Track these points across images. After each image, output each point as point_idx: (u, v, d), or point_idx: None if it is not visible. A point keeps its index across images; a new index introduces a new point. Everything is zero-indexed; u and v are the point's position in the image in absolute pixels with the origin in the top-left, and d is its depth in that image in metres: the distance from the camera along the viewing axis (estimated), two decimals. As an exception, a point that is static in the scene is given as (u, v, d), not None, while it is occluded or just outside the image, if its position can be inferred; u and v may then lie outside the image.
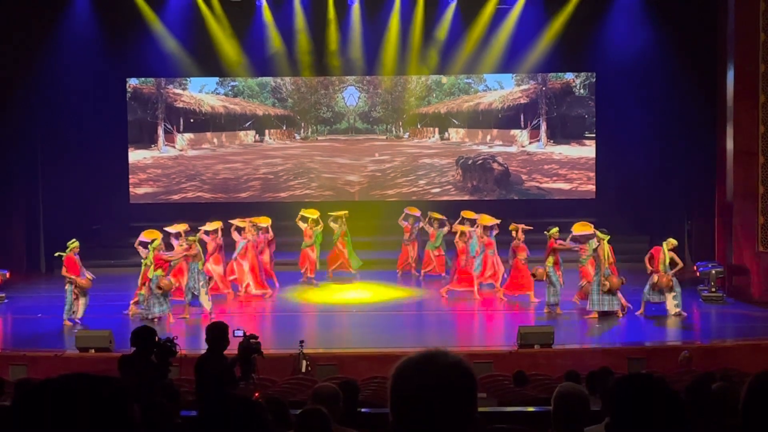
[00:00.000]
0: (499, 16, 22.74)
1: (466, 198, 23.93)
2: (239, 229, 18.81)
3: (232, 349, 8.73)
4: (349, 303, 18.23)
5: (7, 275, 18.75)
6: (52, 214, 22.01)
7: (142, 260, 16.59)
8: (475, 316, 17.88)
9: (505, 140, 24.32)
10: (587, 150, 23.99)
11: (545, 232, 16.95)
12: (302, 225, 19.80)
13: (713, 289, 17.68)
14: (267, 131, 24.52)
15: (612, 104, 22.89)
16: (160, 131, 24.20)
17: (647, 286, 16.34)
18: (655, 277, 16.26)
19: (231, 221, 19.02)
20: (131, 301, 16.86)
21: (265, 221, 19.47)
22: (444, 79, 24.21)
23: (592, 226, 16.99)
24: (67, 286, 16.16)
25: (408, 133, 24.56)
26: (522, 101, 24.17)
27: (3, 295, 18.50)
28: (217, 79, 24.15)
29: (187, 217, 19.16)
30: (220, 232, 18.35)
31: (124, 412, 2.12)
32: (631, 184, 22.69)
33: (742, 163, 17.92)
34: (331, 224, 20.08)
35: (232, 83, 24.35)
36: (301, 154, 24.50)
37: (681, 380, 9.62)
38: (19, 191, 21.72)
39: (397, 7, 22.78)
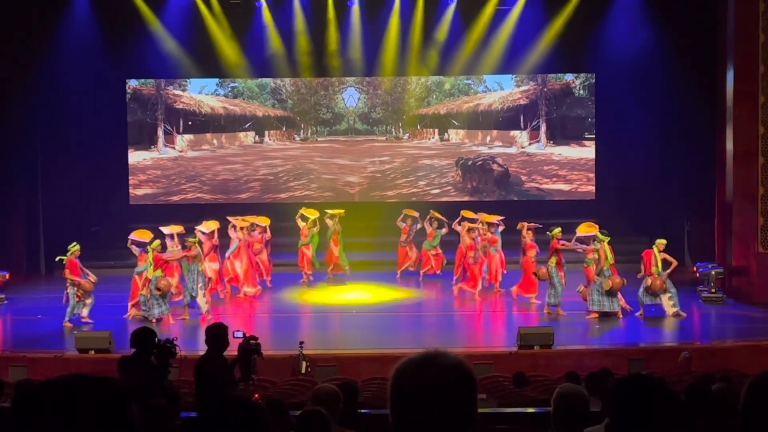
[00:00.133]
0: (499, 17, 22.75)
1: (465, 199, 23.93)
2: (235, 228, 18.80)
3: (232, 350, 8.73)
4: (349, 304, 18.22)
5: (7, 276, 18.76)
6: (51, 215, 22.01)
7: (138, 266, 16.65)
8: (475, 316, 17.87)
9: (505, 141, 24.33)
10: (587, 151, 23.99)
11: (548, 233, 16.97)
12: (301, 223, 19.84)
13: (713, 290, 17.69)
14: (267, 132, 24.52)
15: (612, 105, 22.89)
16: (160, 132, 24.20)
17: (641, 289, 16.34)
18: (648, 281, 16.27)
19: (229, 218, 19.00)
20: (129, 304, 16.83)
21: (264, 221, 19.50)
22: (447, 84, 24.21)
23: (597, 227, 16.95)
24: (70, 290, 16.16)
25: (408, 134, 24.57)
26: (522, 102, 24.18)
27: (3, 296, 18.50)
28: (216, 80, 24.16)
29: (186, 219, 19.15)
30: (216, 233, 18.33)
31: (124, 413, 2.12)
32: (631, 185, 22.69)
33: (742, 164, 17.92)
34: (327, 221, 20.10)
35: (232, 84, 24.36)
36: (300, 155, 24.50)
37: (681, 381, 9.62)
38: (19, 192, 21.72)
39: (397, 8, 22.79)
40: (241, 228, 18.70)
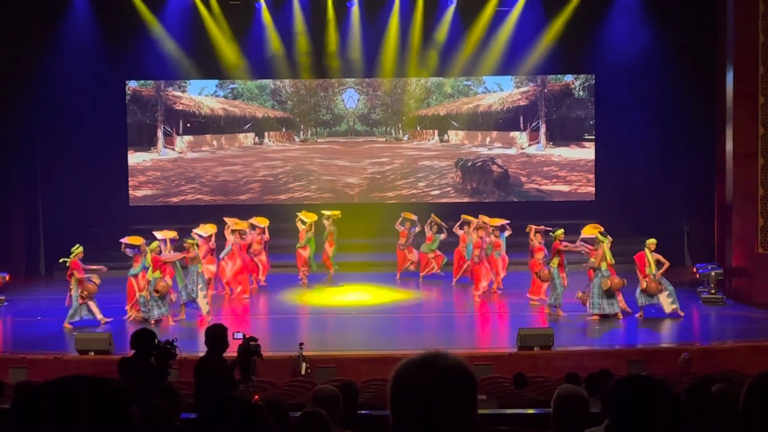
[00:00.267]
0: (499, 18, 22.76)
1: (465, 200, 23.95)
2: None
3: (232, 351, 8.73)
4: (349, 305, 18.22)
5: (7, 278, 18.75)
6: (51, 216, 22.01)
7: (133, 267, 16.66)
8: (475, 318, 17.87)
9: (505, 142, 24.33)
10: (587, 152, 24.00)
11: (550, 234, 16.98)
12: (301, 226, 19.87)
13: (713, 291, 17.69)
14: (266, 133, 24.52)
15: (611, 106, 22.89)
16: (160, 134, 24.20)
17: (637, 291, 16.35)
18: (644, 283, 16.29)
19: (226, 219, 18.97)
20: (128, 306, 16.81)
21: (262, 222, 19.50)
22: (446, 86, 24.22)
23: (603, 228, 16.93)
24: (73, 292, 16.16)
25: (407, 136, 24.57)
26: (521, 103, 24.18)
27: (3, 297, 18.49)
28: (216, 81, 24.16)
29: (186, 220, 19.16)
30: (213, 237, 18.30)
31: (124, 414, 2.12)
32: (631, 186, 22.69)
33: (742, 165, 17.92)
34: (324, 222, 20.12)
35: (232, 85, 24.37)
36: (300, 157, 24.50)
37: (681, 382, 9.62)
38: (19, 194, 21.72)
39: (397, 9, 22.79)
40: (232, 231, 18.64)
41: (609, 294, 16.16)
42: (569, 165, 24.11)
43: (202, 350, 8.61)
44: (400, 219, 20.41)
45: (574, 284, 17.07)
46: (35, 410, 2.08)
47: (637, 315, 16.38)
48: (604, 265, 16.20)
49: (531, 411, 8.20)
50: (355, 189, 24.49)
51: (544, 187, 24.23)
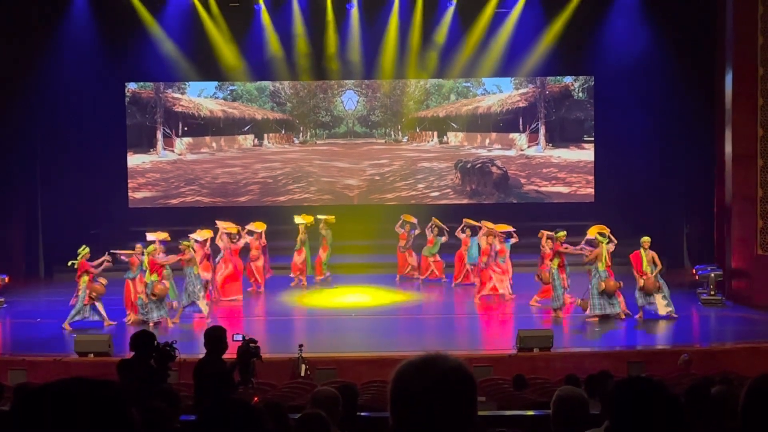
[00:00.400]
0: (498, 19, 22.77)
1: (465, 202, 23.95)
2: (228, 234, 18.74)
3: (232, 353, 8.72)
4: (348, 307, 18.21)
5: (6, 280, 18.75)
6: (51, 218, 22.02)
7: (130, 270, 16.65)
8: (475, 319, 17.87)
9: (504, 144, 24.34)
10: (586, 153, 24.00)
11: (552, 234, 16.96)
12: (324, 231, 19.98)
13: (712, 293, 17.69)
14: (266, 135, 24.52)
15: (611, 108, 22.90)
16: (159, 135, 24.20)
17: (636, 291, 16.36)
18: (641, 282, 16.30)
19: (218, 222, 18.90)
20: (127, 308, 16.80)
21: (259, 227, 19.46)
22: (446, 87, 24.22)
23: (609, 230, 16.91)
24: (81, 293, 16.17)
25: (407, 137, 24.57)
26: (521, 105, 24.19)
27: (2, 299, 18.49)
28: (215, 83, 24.16)
29: (185, 222, 19.15)
30: (209, 242, 18.27)
31: (123, 416, 2.12)
32: (630, 188, 22.69)
33: (741, 166, 17.93)
34: (322, 231, 20.15)
35: (231, 87, 24.37)
36: (300, 158, 24.50)
37: (680, 383, 9.62)
38: (18, 196, 21.72)
39: (396, 10, 22.79)
40: (220, 235, 18.53)
41: (608, 294, 16.16)
42: (569, 166, 24.11)
43: (201, 352, 8.60)
44: (400, 221, 20.42)
45: (577, 285, 17.10)
46: (35, 412, 2.08)
47: (637, 316, 16.38)
48: (602, 267, 16.21)
49: (531, 412, 8.19)
50: (355, 191, 24.49)
51: (543, 189, 24.23)
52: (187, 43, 22.65)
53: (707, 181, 20.19)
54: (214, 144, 24.49)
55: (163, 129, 24.21)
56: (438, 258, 20.18)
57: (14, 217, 21.66)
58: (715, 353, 14.16)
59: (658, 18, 21.53)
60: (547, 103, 24.02)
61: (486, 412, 8.18)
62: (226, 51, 22.92)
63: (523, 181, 24.29)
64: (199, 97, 24.33)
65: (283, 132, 24.57)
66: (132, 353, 8.24)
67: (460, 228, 19.56)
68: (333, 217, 20.48)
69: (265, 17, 22.79)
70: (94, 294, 16.19)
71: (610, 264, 16.35)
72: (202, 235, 18.20)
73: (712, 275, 17.81)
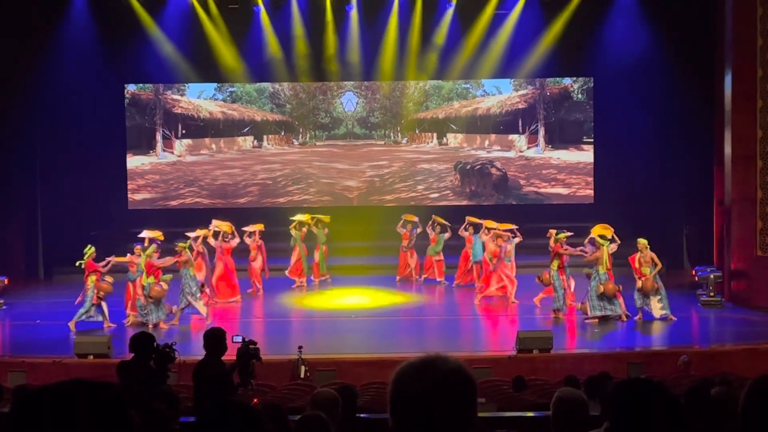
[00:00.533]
0: (497, 21, 22.78)
1: (464, 203, 23.95)
2: (217, 235, 18.70)
3: (231, 354, 8.72)
4: (348, 308, 18.21)
5: (6, 282, 18.74)
6: (50, 220, 22.01)
7: (130, 272, 16.65)
8: (474, 321, 17.87)
9: (504, 145, 24.34)
10: (585, 155, 24.01)
11: (551, 236, 16.96)
12: (303, 230, 19.89)
13: (712, 294, 17.69)
14: (265, 137, 24.52)
15: (610, 109, 22.91)
16: (159, 137, 24.20)
17: (635, 292, 16.37)
18: (639, 283, 16.32)
19: (214, 221, 18.86)
20: (127, 310, 16.79)
21: (256, 227, 19.44)
22: (445, 89, 24.23)
23: (613, 230, 16.91)
24: (90, 292, 16.17)
25: (406, 139, 24.58)
26: (520, 106, 24.19)
27: (2, 301, 18.49)
28: (215, 84, 24.16)
29: (185, 224, 19.12)
30: (200, 240, 18.23)
31: (123, 418, 2.12)
32: (630, 189, 22.69)
33: (741, 168, 17.93)
34: (312, 227, 20.12)
35: (230, 89, 24.37)
36: (299, 160, 24.50)
37: (680, 385, 9.62)
38: (18, 197, 21.71)
39: (395, 12, 22.79)
40: (215, 233, 18.47)
41: (607, 297, 16.17)
42: (568, 168, 24.12)
43: (201, 353, 8.60)
44: (401, 221, 20.42)
45: (579, 286, 17.11)
46: (34, 414, 2.08)
47: (636, 318, 16.39)
48: (602, 270, 16.21)
49: (530, 414, 8.19)
50: (354, 192, 24.49)
51: (542, 190, 24.24)
52: (187, 45, 22.65)
53: (707, 182, 20.19)
54: (213, 145, 24.49)
55: (163, 131, 24.21)
56: (441, 257, 20.14)
57: (14, 219, 21.65)
58: (715, 354, 14.16)
59: (658, 19, 21.54)
60: (547, 105, 24.03)
61: (486, 413, 8.18)
62: (226, 52, 22.92)
63: (522, 182, 24.30)
64: (198, 99, 24.33)
65: (282, 133, 24.57)
66: (131, 355, 8.24)
67: (462, 227, 19.59)
68: (328, 217, 20.45)
69: (265, 19, 22.79)
70: (102, 293, 16.23)
71: (610, 267, 16.34)
72: (197, 233, 18.17)
73: (712, 276, 17.82)
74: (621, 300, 16.35)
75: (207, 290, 17.99)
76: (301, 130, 24.53)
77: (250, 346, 8.81)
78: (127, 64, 22.70)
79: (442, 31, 22.85)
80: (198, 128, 24.38)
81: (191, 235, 18.07)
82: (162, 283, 16.39)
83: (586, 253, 16.76)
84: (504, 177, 24.28)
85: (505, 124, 24.28)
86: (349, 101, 24.40)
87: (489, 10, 22.64)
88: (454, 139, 24.52)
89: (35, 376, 12.91)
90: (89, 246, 16.61)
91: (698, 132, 20.67)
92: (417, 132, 24.57)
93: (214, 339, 8.31)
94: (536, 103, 24.07)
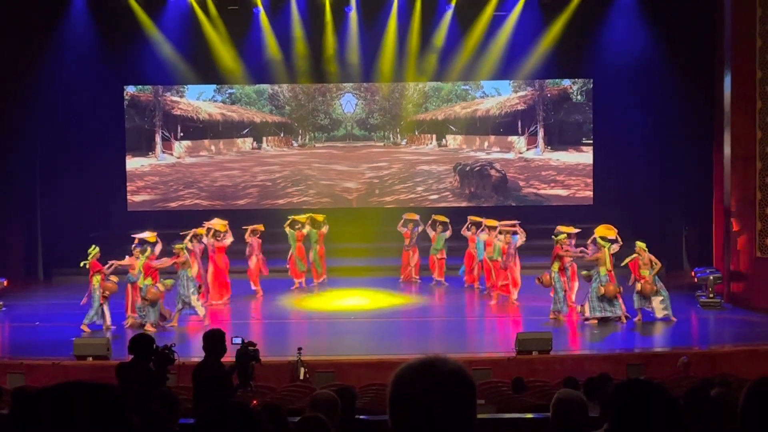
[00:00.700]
0: (496, 22, 22.79)
1: (463, 204, 23.95)
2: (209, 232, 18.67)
3: (230, 356, 8.71)
4: (347, 310, 18.20)
5: (5, 283, 18.73)
6: (49, 222, 21.99)
7: (130, 274, 16.64)
8: (474, 322, 17.87)
9: (503, 147, 24.35)
10: (585, 156, 24.01)
11: (552, 237, 16.96)
12: (307, 229, 19.88)
13: (711, 295, 17.69)
14: (264, 138, 24.52)
15: (609, 110, 22.92)
16: (158, 139, 24.20)
17: (635, 294, 16.38)
18: (638, 286, 16.33)
19: (206, 223, 18.81)
20: (127, 313, 16.79)
21: (258, 228, 19.44)
22: (444, 90, 24.23)
23: (616, 231, 16.91)
24: (96, 293, 16.17)
25: (405, 140, 24.58)
26: (519, 108, 24.20)
27: (1, 303, 18.47)
28: (214, 86, 24.16)
29: (184, 225, 19.08)
30: (189, 237, 18.18)
31: (123, 419, 2.12)
32: (629, 190, 22.69)
33: (740, 169, 17.93)
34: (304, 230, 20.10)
35: (230, 90, 24.38)
36: (298, 161, 24.50)
37: (679, 386, 9.62)
38: (17, 199, 21.68)
39: (395, 13, 22.80)
40: (195, 234, 18.39)
41: (608, 299, 16.17)
42: (567, 169, 24.12)
43: (200, 355, 8.59)
44: (402, 221, 20.41)
45: (580, 287, 17.12)
46: (33, 416, 2.08)
47: (635, 319, 16.39)
48: (603, 271, 16.22)
49: (530, 415, 8.19)
50: (354, 194, 24.50)
51: (542, 192, 24.24)
52: (186, 47, 22.65)
53: (706, 183, 20.19)
54: (212, 147, 24.49)
55: (162, 132, 24.21)
56: (443, 255, 20.07)
57: (13, 220, 21.63)
58: (714, 356, 14.16)
59: (657, 21, 21.54)
60: (546, 106, 24.04)
61: (485, 415, 8.18)
62: (225, 54, 22.92)
63: (521, 183, 24.30)
64: (197, 101, 24.33)
65: (281, 135, 24.57)
66: (131, 356, 8.24)
67: (465, 226, 19.57)
68: (322, 216, 20.39)
69: (264, 20, 22.79)
70: (107, 293, 16.25)
71: (611, 268, 16.34)
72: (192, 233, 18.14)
73: (711, 278, 17.81)
74: (621, 301, 16.35)
75: (203, 291, 17.96)
76: (300, 131, 24.53)
77: (250, 348, 8.81)
78: (127, 66, 22.70)
79: (442, 33, 22.86)
80: (197, 130, 24.39)
81: (185, 234, 18.03)
82: (159, 285, 16.37)
83: (587, 253, 16.77)
84: (503, 178, 24.28)
85: (505, 125, 24.29)
86: (348, 103, 24.41)
87: (488, 12, 22.65)
88: (453, 141, 24.53)
89: (34, 377, 12.90)
90: (93, 246, 16.62)
91: (698, 133, 20.67)
92: (416, 133, 24.58)
93: (214, 340, 8.31)
94: (535, 105, 24.08)
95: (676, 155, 21.86)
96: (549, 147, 24.18)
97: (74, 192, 22.28)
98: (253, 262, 19.33)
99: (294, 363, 12.99)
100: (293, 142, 24.56)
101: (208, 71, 23.14)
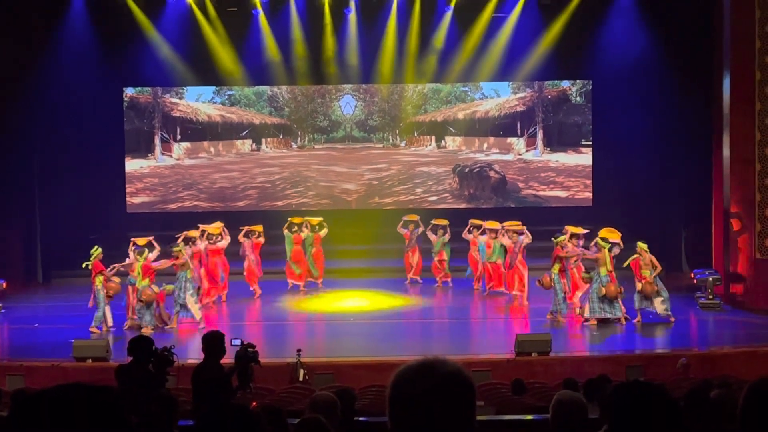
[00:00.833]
0: (496, 24, 22.80)
1: (463, 206, 23.96)
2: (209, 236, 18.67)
3: (230, 358, 8.71)
4: (346, 311, 18.20)
5: (4, 285, 18.73)
6: (49, 224, 21.98)
7: (130, 275, 16.63)
8: (473, 323, 17.86)
9: (502, 148, 24.36)
10: (584, 157, 24.02)
11: (552, 239, 16.95)
12: (305, 232, 19.87)
13: (710, 297, 17.69)
14: (264, 140, 24.53)
15: (608, 111, 22.93)
16: (157, 140, 24.20)
17: (635, 295, 16.39)
18: (639, 286, 16.34)
19: (201, 226, 18.79)
20: (128, 314, 16.79)
21: (256, 228, 19.44)
22: (444, 92, 24.24)
23: (620, 234, 16.90)
24: (100, 294, 16.16)
25: (405, 142, 24.58)
26: (518, 109, 24.21)
27: (0, 305, 18.46)
28: (213, 88, 24.17)
29: (183, 227, 19.08)
30: (182, 238, 18.15)
31: (122, 421, 2.12)
32: (628, 192, 22.69)
33: (739, 171, 17.93)
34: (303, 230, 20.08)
35: (229, 92, 24.38)
36: (297, 163, 24.50)
37: (679, 387, 9.62)
38: (16, 201, 21.67)
39: (394, 15, 22.80)
40: (187, 237, 18.36)
41: (609, 299, 16.17)
42: (566, 171, 24.13)
43: (199, 357, 8.59)
44: (402, 222, 20.40)
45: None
46: (33, 418, 2.08)
47: (635, 320, 16.39)
48: (603, 271, 16.22)
49: (529, 417, 8.19)
50: (353, 195, 24.50)
51: (541, 193, 24.25)
52: (185, 48, 22.65)
53: (705, 184, 20.19)
54: (212, 149, 24.49)
55: (161, 134, 24.21)
56: (443, 257, 20.06)
57: (12, 222, 21.61)
58: (714, 357, 14.15)
59: (656, 22, 21.55)
60: (545, 108, 24.05)
61: (484, 416, 8.17)
62: (224, 56, 22.93)
63: (521, 185, 24.31)
64: (196, 102, 24.34)
65: (281, 137, 24.58)
66: (130, 358, 8.24)
67: (466, 229, 19.58)
68: (317, 219, 20.35)
69: (263, 22, 22.80)
70: (111, 293, 16.25)
71: (612, 269, 16.34)
72: (190, 234, 18.13)
73: (711, 279, 17.81)
74: (621, 303, 16.34)
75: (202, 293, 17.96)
76: (299, 133, 24.54)
77: (249, 350, 8.80)
78: (126, 67, 22.71)
79: (441, 34, 22.87)
80: (196, 131, 24.39)
81: (178, 237, 18.01)
82: (154, 286, 16.36)
83: (588, 253, 16.77)
84: (502, 180, 24.29)
85: (504, 127, 24.29)
86: (347, 104, 24.42)
87: (487, 13, 22.66)
88: (452, 142, 24.54)
89: (33, 379, 12.89)
90: (96, 247, 16.63)
91: (697, 134, 20.67)
92: (415, 135, 24.58)
93: (213, 342, 8.30)
94: (535, 106, 24.08)
95: (676, 157, 21.87)
96: (548, 148, 24.19)
97: (73, 194, 22.26)
98: (245, 263, 19.32)
99: (293, 364, 12.98)
100: (292, 143, 24.56)
101: (207, 73, 23.15)
